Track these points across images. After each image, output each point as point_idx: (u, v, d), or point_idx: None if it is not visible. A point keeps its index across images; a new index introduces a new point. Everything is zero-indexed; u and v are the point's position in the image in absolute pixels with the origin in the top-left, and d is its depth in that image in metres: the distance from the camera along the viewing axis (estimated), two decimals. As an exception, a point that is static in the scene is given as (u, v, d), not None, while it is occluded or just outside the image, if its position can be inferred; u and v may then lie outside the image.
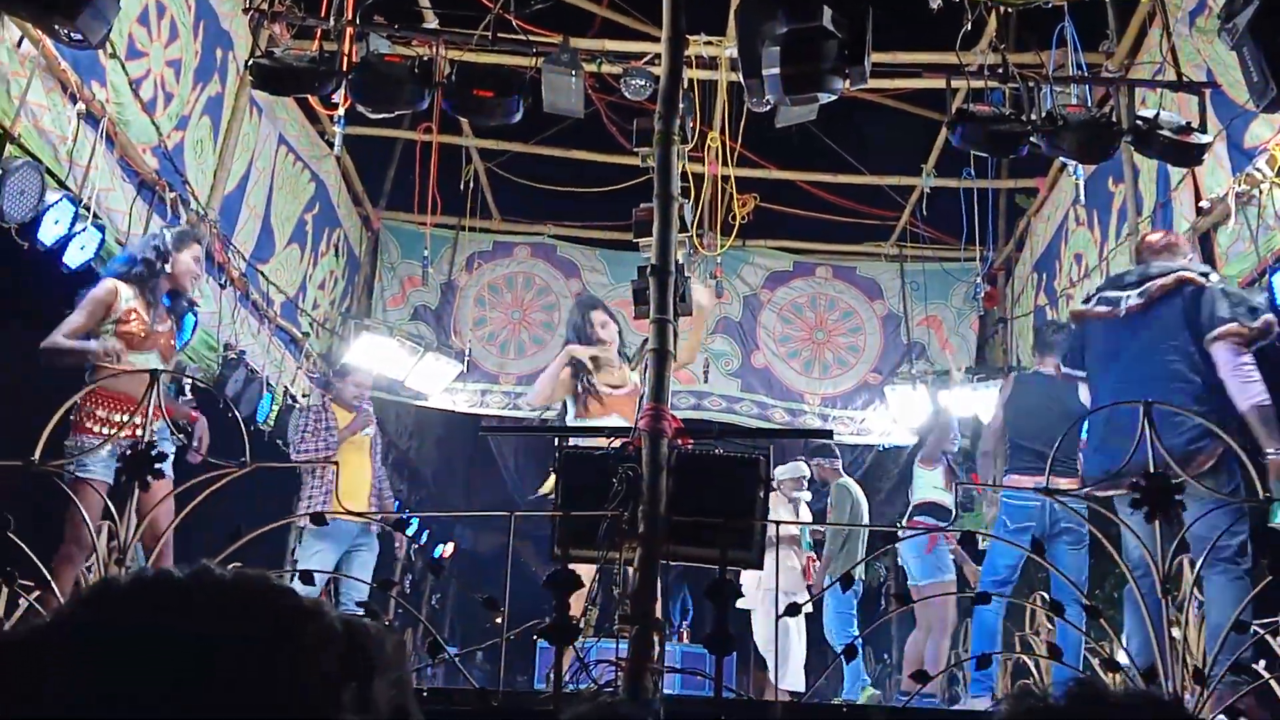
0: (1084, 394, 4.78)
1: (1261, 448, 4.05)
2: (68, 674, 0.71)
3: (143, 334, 4.77)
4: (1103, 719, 1.02)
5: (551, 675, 3.14)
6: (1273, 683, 3.54)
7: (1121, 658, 3.78)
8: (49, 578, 3.52)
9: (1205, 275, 4.46)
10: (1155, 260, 4.57)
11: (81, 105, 5.09)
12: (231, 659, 0.72)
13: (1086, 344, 4.67)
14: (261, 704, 0.71)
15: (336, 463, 4.83)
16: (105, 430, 4.46)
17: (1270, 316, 4.27)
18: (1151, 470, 3.34)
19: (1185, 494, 3.41)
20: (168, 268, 4.91)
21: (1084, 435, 4.69)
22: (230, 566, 0.84)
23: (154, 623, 0.73)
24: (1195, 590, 4.15)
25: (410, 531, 11.54)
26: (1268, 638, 3.78)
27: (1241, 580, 3.95)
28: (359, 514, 6.11)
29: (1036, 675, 6.36)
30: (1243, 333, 4.23)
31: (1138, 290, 4.45)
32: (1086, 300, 4.78)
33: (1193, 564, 3.84)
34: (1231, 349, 4.22)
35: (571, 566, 3.04)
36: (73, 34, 3.86)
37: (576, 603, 3.16)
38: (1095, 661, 5.17)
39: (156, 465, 3.45)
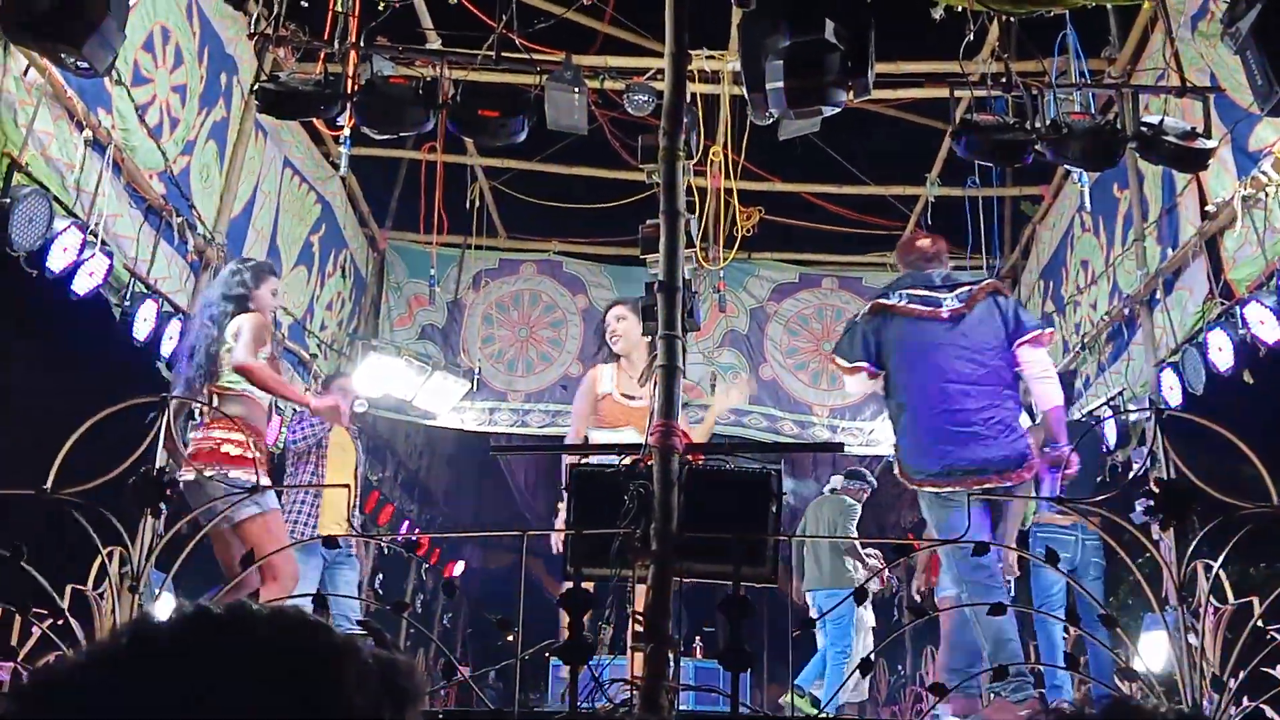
0: (858, 384, 4.99)
1: (1055, 441, 4.62)
2: (110, 708, 0.70)
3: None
4: None
5: (566, 694, 3.13)
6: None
7: (1138, 666, 3.76)
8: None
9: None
10: (930, 266, 4.96)
11: (88, 132, 5.11)
12: (273, 696, 0.71)
13: (885, 338, 4.82)
14: None
15: (348, 485, 4.85)
16: (249, 457, 4.60)
17: (1053, 329, 4.81)
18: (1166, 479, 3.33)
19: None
20: (252, 304, 4.98)
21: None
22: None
23: (193, 661, 0.72)
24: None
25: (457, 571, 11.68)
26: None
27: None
28: (370, 536, 6.10)
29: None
30: (1044, 339, 4.75)
31: (954, 294, 4.78)
32: (883, 296, 4.96)
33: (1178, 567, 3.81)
34: (1039, 351, 4.71)
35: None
36: (79, 62, 3.88)
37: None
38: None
39: (168, 493, 3.45)
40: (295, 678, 0.73)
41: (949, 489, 4.47)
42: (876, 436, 9.44)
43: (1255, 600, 3.46)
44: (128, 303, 5.53)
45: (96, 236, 5.13)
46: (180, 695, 0.71)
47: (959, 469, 4.44)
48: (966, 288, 4.86)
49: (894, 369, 4.82)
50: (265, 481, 4.55)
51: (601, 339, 5.68)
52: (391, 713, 0.77)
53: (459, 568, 12.44)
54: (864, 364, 4.85)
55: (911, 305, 4.84)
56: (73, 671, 0.75)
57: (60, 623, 3.51)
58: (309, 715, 0.72)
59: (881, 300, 4.97)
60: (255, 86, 4.86)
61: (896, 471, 4.80)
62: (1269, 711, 3.35)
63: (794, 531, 8.64)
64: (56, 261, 4.87)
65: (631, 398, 5.39)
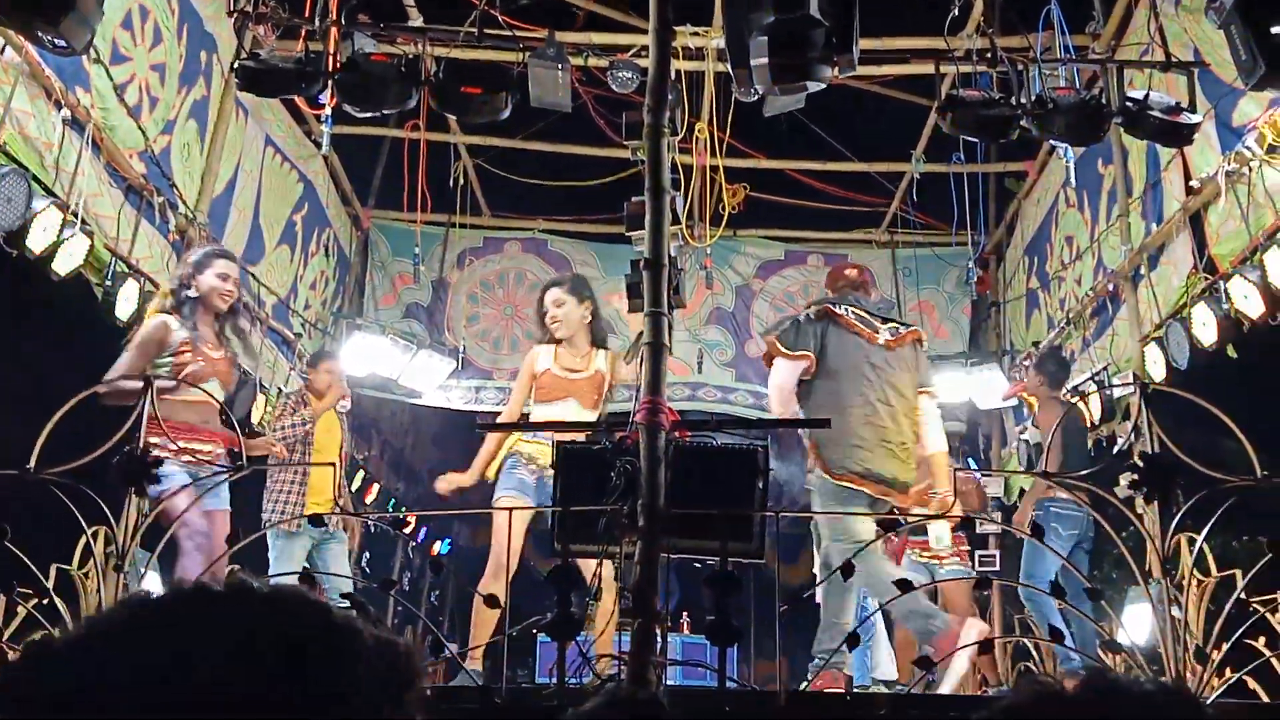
0: (790, 373, 5.13)
1: (936, 485, 5.14)
2: (108, 682, 0.70)
3: (198, 364, 4.77)
4: (1119, 712, 0.99)
5: (554, 670, 3.14)
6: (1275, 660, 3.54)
7: (1122, 638, 3.79)
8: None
9: None
10: (855, 294, 5.29)
11: (67, 111, 5.06)
12: (269, 670, 0.71)
13: (830, 342, 5.10)
14: None
15: (333, 464, 4.82)
16: (185, 458, 4.48)
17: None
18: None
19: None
20: (192, 292, 4.89)
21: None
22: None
23: (185, 632, 0.72)
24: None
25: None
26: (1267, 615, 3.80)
27: None
28: (355, 513, 6.09)
29: (1037, 656, 6.39)
30: (936, 394, 5.33)
31: (886, 326, 5.20)
32: (831, 305, 5.20)
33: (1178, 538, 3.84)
34: (932, 402, 5.24)
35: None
36: (56, 40, 3.84)
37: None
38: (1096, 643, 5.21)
39: (154, 471, 3.44)
40: (292, 655, 0.73)
41: (860, 488, 4.86)
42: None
43: (1238, 573, 3.50)
44: (109, 283, 5.49)
45: (76, 216, 5.08)
46: (172, 665, 0.70)
47: (875, 476, 4.85)
48: (895, 325, 5.26)
49: (831, 372, 5.05)
50: (171, 471, 4.41)
51: (541, 323, 5.51)
52: (390, 694, 0.76)
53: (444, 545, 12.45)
54: (811, 355, 5.05)
55: (856, 322, 5.12)
56: (64, 644, 0.74)
57: (45, 602, 3.50)
58: (306, 692, 0.72)
59: (830, 307, 5.17)
60: (235, 64, 4.81)
61: (811, 459, 5.05)
62: (1251, 683, 3.38)
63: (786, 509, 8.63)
64: (36, 241, 4.83)
65: (573, 371, 5.33)
